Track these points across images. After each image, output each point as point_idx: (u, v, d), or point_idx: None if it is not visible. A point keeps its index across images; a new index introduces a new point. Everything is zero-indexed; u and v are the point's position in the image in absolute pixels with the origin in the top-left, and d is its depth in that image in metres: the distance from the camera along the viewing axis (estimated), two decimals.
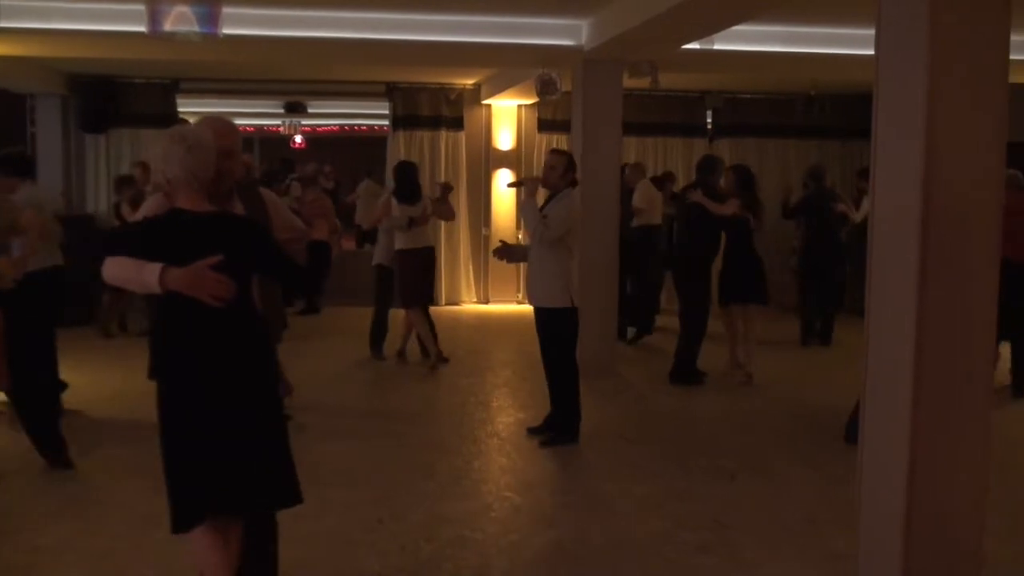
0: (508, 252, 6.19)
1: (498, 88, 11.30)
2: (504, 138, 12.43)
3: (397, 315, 8.59)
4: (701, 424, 6.64)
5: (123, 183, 9.64)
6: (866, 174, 6.20)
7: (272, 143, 19.17)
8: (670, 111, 12.48)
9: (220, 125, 3.32)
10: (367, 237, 12.26)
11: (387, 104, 12.23)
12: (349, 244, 12.98)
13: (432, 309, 8.46)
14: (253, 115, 15.96)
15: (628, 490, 5.15)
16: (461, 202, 11.91)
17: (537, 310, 5.99)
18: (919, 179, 3.35)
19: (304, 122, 16.98)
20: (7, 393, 5.48)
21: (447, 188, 8.83)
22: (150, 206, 3.21)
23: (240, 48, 8.18)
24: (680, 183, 10.83)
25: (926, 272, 3.37)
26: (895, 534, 3.49)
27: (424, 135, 12.10)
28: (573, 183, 5.90)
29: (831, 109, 12.55)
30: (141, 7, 4.72)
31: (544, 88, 8.89)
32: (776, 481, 5.34)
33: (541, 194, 5.96)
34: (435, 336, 8.30)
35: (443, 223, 10.95)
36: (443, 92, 12.09)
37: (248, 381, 3.07)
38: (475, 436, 6.25)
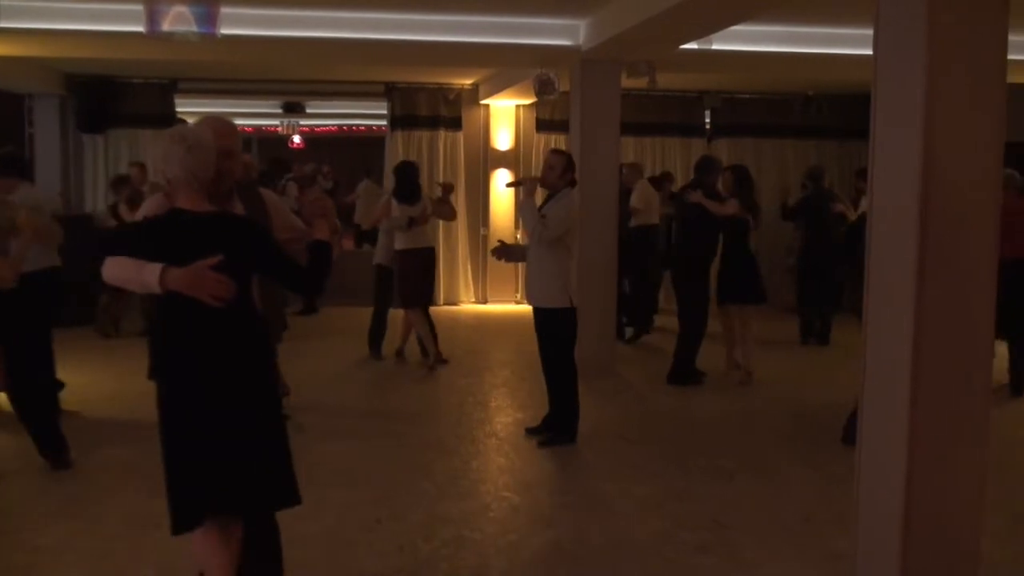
0: (506, 252, 6.19)
1: (496, 88, 11.29)
2: (502, 138, 12.42)
3: (396, 315, 8.59)
4: (700, 424, 6.64)
5: (119, 183, 9.63)
6: (864, 174, 6.22)
7: (270, 143, 19.19)
8: (668, 111, 12.48)
9: (220, 125, 3.33)
10: (366, 237, 12.26)
11: (385, 104, 12.21)
12: (348, 244, 12.97)
13: (431, 309, 8.46)
14: (251, 115, 15.96)
15: (627, 490, 5.16)
16: (460, 202, 11.87)
17: (536, 310, 5.99)
18: (917, 179, 3.35)
19: (302, 122, 16.99)
20: (7, 393, 5.48)
21: (448, 188, 8.83)
22: (150, 206, 3.22)
23: (238, 48, 8.18)
24: (678, 183, 10.84)
25: (924, 272, 3.37)
26: (893, 534, 3.50)
27: (422, 135, 12.09)
28: (572, 183, 5.90)
29: (829, 109, 12.55)
30: (139, 7, 4.71)
31: (542, 88, 8.88)
32: (775, 481, 5.35)
33: (540, 194, 5.96)
34: (435, 337, 8.30)
35: (443, 223, 10.94)
36: (441, 92, 12.08)
37: (248, 381, 3.07)
38: (473, 436, 6.26)
